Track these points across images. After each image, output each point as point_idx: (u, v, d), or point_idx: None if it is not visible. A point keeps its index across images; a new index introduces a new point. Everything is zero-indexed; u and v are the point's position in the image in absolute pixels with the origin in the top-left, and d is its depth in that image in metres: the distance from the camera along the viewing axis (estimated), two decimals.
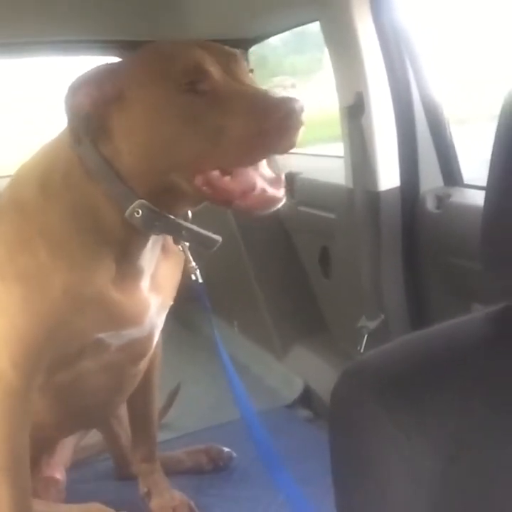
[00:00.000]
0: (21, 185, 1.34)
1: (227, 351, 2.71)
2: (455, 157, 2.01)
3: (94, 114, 1.25)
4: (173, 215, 1.31)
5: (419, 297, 2.08)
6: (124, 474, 1.91)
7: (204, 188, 1.21)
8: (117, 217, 1.28)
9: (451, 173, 1.99)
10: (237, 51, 1.28)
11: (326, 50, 2.11)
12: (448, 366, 0.77)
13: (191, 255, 1.42)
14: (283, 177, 1.24)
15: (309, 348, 2.44)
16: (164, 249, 1.42)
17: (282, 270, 2.60)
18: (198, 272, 1.40)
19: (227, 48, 1.28)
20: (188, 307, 3.08)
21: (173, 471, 1.86)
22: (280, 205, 1.25)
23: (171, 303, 1.53)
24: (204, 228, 1.36)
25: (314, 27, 2.47)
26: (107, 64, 1.29)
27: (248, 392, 2.38)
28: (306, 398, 2.30)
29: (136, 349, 1.45)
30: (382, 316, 2.05)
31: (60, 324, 1.30)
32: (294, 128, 1.15)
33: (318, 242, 2.38)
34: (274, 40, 3.12)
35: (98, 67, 1.28)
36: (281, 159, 2.89)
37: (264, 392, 2.40)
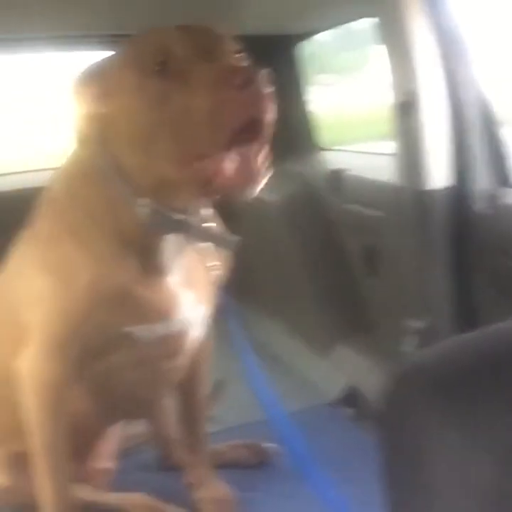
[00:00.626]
0: (54, 185, 1.40)
1: (272, 348, 2.74)
2: (508, 157, 1.97)
3: (97, 112, 1.27)
4: (182, 212, 1.30)
5: (467, 298, 2.05)
6: (168, 465, 1.93)
7: (193, 177, 1.20)
8: (129, 215, 1.30)
9: (503, 174, 1.96)
10: (222, 33, 1.26)
11: (374, 47, 2.09)
12: (502, 369, 0.76)
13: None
14: (260, 160, 1.19)
15: (354, 346, 2.42)
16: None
17: (327, 267, 2.59)
18: (218, 272, 1.38)
19: (209, 28, 1.25)
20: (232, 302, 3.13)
21: (215, 464, 1.86)
22: (256, 185, 1.20)
23: (212, 298, 1.54)
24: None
25: (363, 24, 2.47)
26: (103, 59, 1.30)
27: (291, 389, 2.41)
28: (350, 397, 2.29)
29: (169, 345, 1.45)
30: (429, 317, 2.03)
31: (86, 316, 1.33)
32: (253, 96, 1.12)
33: (364, 240, 2.36)
34: (322, 36, 3.10)
35: (95, 63, 1.31)
36: (327, 155, 2.91)
37: (308, 390, 2.40)
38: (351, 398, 2.29)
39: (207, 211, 1.38)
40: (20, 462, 1.56)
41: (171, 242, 1.35)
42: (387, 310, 2.30)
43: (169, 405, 1.84)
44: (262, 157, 1.20)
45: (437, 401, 0.75)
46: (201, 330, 1.53)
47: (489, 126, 1.95)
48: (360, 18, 2.37)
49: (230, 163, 1.16)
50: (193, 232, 1.33)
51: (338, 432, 2.14)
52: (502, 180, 1.96)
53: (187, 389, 1.72)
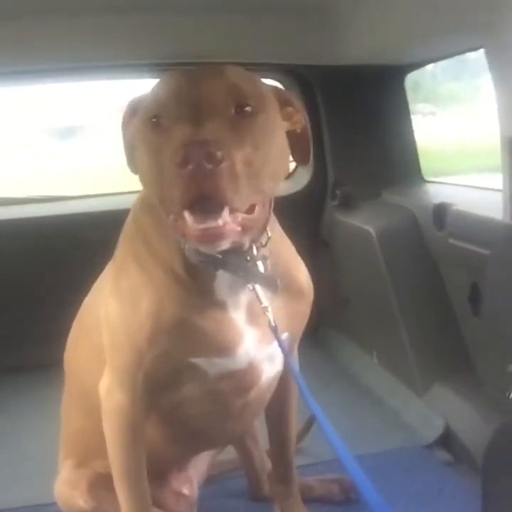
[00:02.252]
0: (130, 214, 1.47)
1: (364, 382, 2.68)
2: None
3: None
4: (228, 252, 1.28)
5: None
6: (258, 494, 1.93)
7: (171, 223, 1.22)
8: (178, 250, 1.34)
9: None
10: (229, 83, 1.23)
11: (484, 78, 2.03)
12: None
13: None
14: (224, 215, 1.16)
15: (452, 387, 2.33)
16: (282, 283, 1.40)
17: (428, 303, 2.51)
18: (269, 314, 1.35)
19: (216, 78, 1.24)
20: (325, 333, 3.10)
21: (304, 498, 1.82)
22: (222, 241, 1.18)
23: (293, 337, 1.53)
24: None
25: (474, 54, 2.40)
26: (143, 93, 1.34)
27: (383, 426, 2.34)
28: (446, 440, 2.19)
29: (238, 381, 1.44)
30: None
31: (149, 344, 1.35)
32: (193, 175, 1.10)
33: (468, 277, 2.27)
34: (431, 67, 3.06)
35: (137, 96, 1.36)
36: (432, 187, 2.84)
37: (401, 429, 2.33)
38: (447, 441, 2.20)
39: (259, 251, 1.35)
40: (103, 485, 1.59)
41: (225, 279, 1.35)
42: (489, 352, 2.21)
43: (260, 434, 1.83)
44: (228, 218, 1.17)
45: None
46: (276, 367, 1.51)
47: None
48: (472, 49, 2.31)
49: (193, 223, 1.17)
50: (233, 271, 1.32)
51: (431, 475, 2.06)
52: None
53: (277, 421, 1.72)
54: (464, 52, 2.49)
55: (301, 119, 1.38)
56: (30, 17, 2.26)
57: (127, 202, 1.48)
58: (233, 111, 1.21)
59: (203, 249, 1.26)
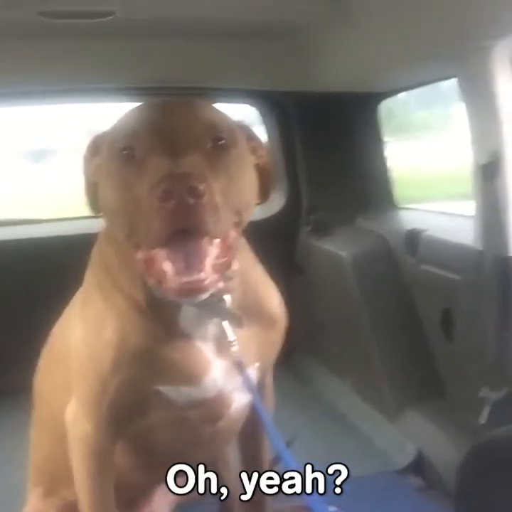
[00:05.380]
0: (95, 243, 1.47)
1: (338, 407, 2.68)
2: None
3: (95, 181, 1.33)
4: None
5: None
6: None
7: (141, 262, 1.22)
8: (141, 281, 1.32)
9: None
10: (204, 116, 1.24)
11: (456, 106, 2.06)
12: None
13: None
14: (203, 259, 1.17)
15: (424, 413, 2.33)
16: (252, 313, 1.41)
17: (401, 329, 2.52)
18: (235, 348, 1.34)
19: (188, 112, 1.24)
20: (300, 359, 3.09)
21: None
22: (203, 294, 1.18)
23: (264, 366, 1.52)
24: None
25: (447, 83, 2.45)
26: (109, 128, 1.33)
27: (356, 452, 2.34)
28: (419, 465, 2.19)
29: (207, 410, 1.43)
30: (506, 387, 1.94)
31: (113, 372, 1.34)
32: (174, 210, 1.10)
33: (440, 302, 2.29)
34: (404, 95, 3.10)
35: (102, 132, 1.34)
36: (405, 214, 2.87)
37: (374, 455, 2.33)
38: (419, 467, 2.20)
39: (226, 285, 1.33)
40: None
41: (191, 312, 1.34)
42: (461, 377, 2.22)
43: (232, 462, 1.81)
44: (205, 257, 1.18)
45: (507, 481, 0.71)
46: (247, 397, 1.48)
47: None
48: (446, 78, 2.35)
49: (174, 275, 1.16)
50: (198, 306, 1.31)
51: (404, 501, 2.05)
52: None
53: (249, 447, 1.70)
54: (437, 81, 2.54)
55: (264, 153, 1.40)
56: (6, 39, 2.26)
57: (98, 226, 1.47)
58: (209, 144, 1.22)
59: (182, 301, 1.25)
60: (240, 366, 1.35)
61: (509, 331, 1.93)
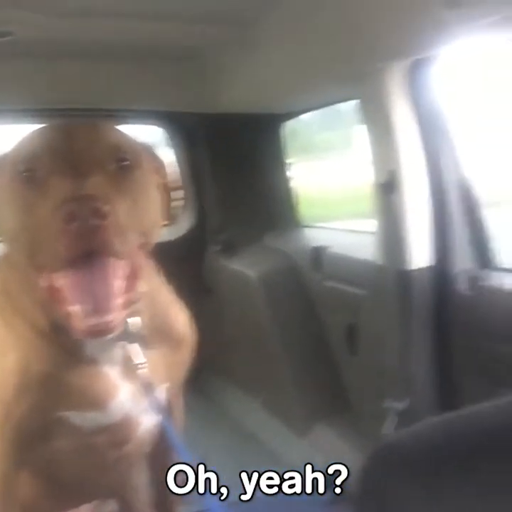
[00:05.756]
0: None
1: (248, 425, 2.68)
2: (488, 239, 1.99)
3: None
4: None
5: (447, 379, 2.03)
6: None
7: (45, 291, 1.21)
8: (41, 306, 1.30)
9: (484, 256, 1.97)
10: (106, 138, 1.24)
11: (356, 128, 2.13)
12: (471, 452, 0.75)
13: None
14: (114, 297, 1.16)
15: (332, 426, 2.37)
16: (160, 334, 1.41)
17: (308, 345, 2.56)
18: (143, 370, 1.34)
19: (89, 133, 1.24)
20: (208, 379, 3.08)
21: None
22: (111, 333, 1.17)
23: (174, 387, 1.52)
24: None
25: (348, 105, 2.53)
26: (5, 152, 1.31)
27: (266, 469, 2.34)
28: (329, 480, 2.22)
29: (113, 434, 1.41)
30: (410, 398, 1.99)
31: (16, 398, 1.31)
32: (78, 231, 1.09)
33: (345, 318, 2.34)
34: (306, 116, 3.17)
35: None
36: (309, 232, 2.93)
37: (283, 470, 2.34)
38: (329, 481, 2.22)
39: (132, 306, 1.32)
40: None
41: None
42: (367, 390, 2.27)
43: (142, 484, 1.78)
44: (112, 295, 1.17)
45: (415, 482, 0.74)
46: (155, 419, 1.47)
47: (471, 207, 1.97)
48: (345, 99, 2.42)
49: (83, 318, 1.15)
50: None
51: None
52: (483, 261, 1.97)
53: (159, 470, 1.67)
54: (336, 102, 2.61)
55: (167, 173, 1.41)
56: None
57: None
58: (112, 165, 1.21)
59: (89, 341, 1.24)
60: (147, 388, 1.34)
61: (409, 342, 1.99)
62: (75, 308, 1.15)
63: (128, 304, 1.21)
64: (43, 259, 1.16)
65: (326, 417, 2.44)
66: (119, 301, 1.17)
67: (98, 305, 1.15)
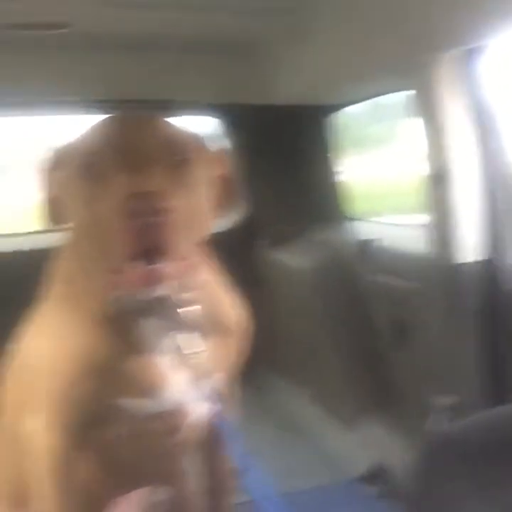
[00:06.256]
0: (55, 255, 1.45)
1: (297, 418, 2.69)
2: None
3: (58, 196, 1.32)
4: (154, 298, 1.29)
5: (497, 375, 2.01)
6: None
7: (103, 274, 1.24)
8: (101, 295, 1.32)
9: None
10: (165, 132, 1.26)
11: (403, 120, 2.10)
12: None
13: None
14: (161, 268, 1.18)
15: (380, 420, 2.36)
16: (213, 325, 1.42)
17: (357, 339, 2.55)
18: (197, 360, 1.36)
19: (150, 128, 1.25)
20: (259, 371, 3.09)
21: None
22: (163, 282, 1.20)
23: (225, 378, 1.52)
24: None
25: (393, 97, 2.50)
26: (68, 143, 1.33)
27: (313, 462, 2.35)
28: (375, 473, 2.21)
29: (167, 422, 1.43)
30: (458, 394, 1.97)
31: (71, 385, 1.34)
32: (141, 228, 1.12)
33: (393, 312, 2.33)
34: (353, 108, 3.14)
35: (62, 146, 1.34)
36: (357, 226, 2.92)
37: (330, 463, 2.34)
38: (376, 475, 2.22)
39: (186, 296, 1.35)
40: None
41: (150, 325, 1.35)
42: (415, 385, 2.26)
43: (196, 473, 1.80)
44: (171, 270, 1.19)
45: (466, 475, 0.73)
46: (205, 409, 1.49)
47: None
48: (395, 91, 2.40)
49: (132, 274, 1.18)
50: (157, 318, 1.33)
51: (362, 509, 2.07)
52: None
53: (213, 459, 1.69)
54: (389, 93, 2.57)
55: (224, 165, 1.42)
56: None
57: (52, 240, 1.45)
58: (171, 159, 1.23)
59: (139, 294, 1.25)
60: (201, 378, 1.36)
61: (459, 337, 1.97)
62: (128, 265, 1.17)
63: (182, 277, 1.22)
64: (103, 252, 1.18)
65: (374, 411, 2.43)
66: (173, 264, 1.19)
67: (154, 261, 1.17)
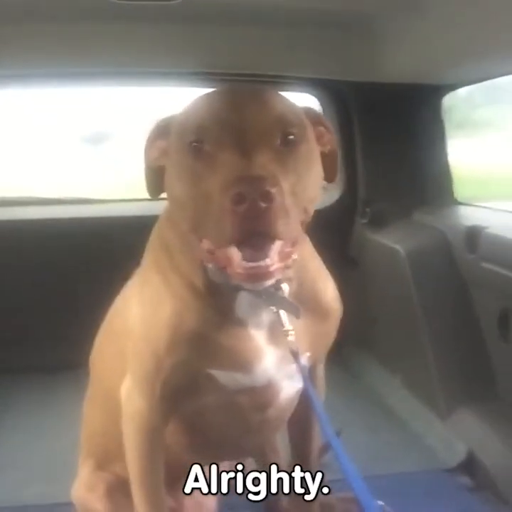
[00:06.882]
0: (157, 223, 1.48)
1: (388, 402, 2.65)
2: None
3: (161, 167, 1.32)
4: None
5: None
6: (276, 509, 1.88)
7: (206, 252, 1.22)
8: (201, 267, 1.33)
9: None
10: (273, 111, 1.21)
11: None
12: None
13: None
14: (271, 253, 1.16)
15: (476, 412, 2.29)
16: (307, 304, 1.41)
17: (456, 326, 2.48)
18: (291, 337, 1.33)
19: (258, 105, 1.21)
20: (351, 352, 3.07)
21: None
22: (268, 280, 1.19)
23: (316, 357, 1.52)
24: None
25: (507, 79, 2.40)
26: (173, 114, 1.33)
27: (404, 448, 2.31)
28: (469, 465, 2.16)
29: (257, 397, 1.44)
30: None
31: (167, 352, 1.36)
32: (246, 213, 1.09)
33: (499, 302, 2.25)
34: (467, 89, 3.04)
35: (165, 118, 1.34)
36: (465, 210, 2.82)
37: (423, 452, 2.30)
38: (469, 466, 2.16)
39: (285, 273, 1.32)
40: (121, 490, 1.58)
41: (247, 299, 1.35)
42: None
43: (283, 448, 1.80)
44: (275, 257, 1.18)
45: None
46: (296, 386, 1.48)
47: None
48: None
49: (241, 261, 1.16)
50: (256, 294, 1.32)
51: (451, 500, 2.02)
52: None
53: (299, 436, 1.70)
54: (504, 75, 2.47)
55: (331, 139, 1.39)
56: (71, 21, 2.30)
57: (157, 208, 1.47)
58: (279, 140, 1.21)
59: (247, 286, 1.25)
60: (294, 355, 1.35)
61: None
62: (233, 253, 1.17)
63: (285, 259, 1.21)
64: (206, 232, 1.18)
65: (468, 402, 2.36)
66: (278, 250, 1.18)
67: (257, 251, 1.16)
